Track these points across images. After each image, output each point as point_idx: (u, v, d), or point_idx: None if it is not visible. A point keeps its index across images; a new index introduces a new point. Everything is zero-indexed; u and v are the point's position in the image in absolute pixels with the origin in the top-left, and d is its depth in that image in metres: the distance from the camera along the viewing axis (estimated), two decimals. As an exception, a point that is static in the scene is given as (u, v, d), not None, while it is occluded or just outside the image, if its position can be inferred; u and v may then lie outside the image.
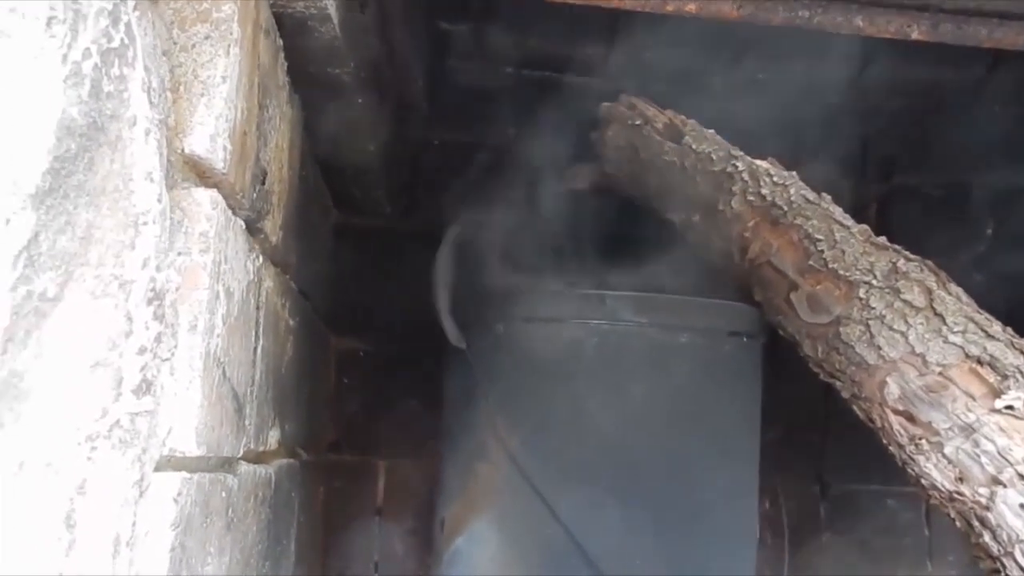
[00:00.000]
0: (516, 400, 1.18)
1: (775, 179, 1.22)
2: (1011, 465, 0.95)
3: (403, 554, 1.67)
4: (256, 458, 1.00)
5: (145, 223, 0.59)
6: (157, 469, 0.66)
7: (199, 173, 0.73)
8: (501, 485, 1.16)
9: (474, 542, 1.17)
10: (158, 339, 0.63)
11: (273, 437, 1.08)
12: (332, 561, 1.65)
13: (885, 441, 1.07)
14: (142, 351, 0.60)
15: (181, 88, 0.71)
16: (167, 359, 0.67)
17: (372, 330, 1.69)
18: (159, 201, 0.61)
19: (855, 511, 1.72)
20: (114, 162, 0.56)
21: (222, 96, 0.72)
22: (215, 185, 0.74)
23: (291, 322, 1.17)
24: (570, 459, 1.15)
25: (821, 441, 1.70)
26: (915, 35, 0.89)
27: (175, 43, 0.71)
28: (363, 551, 1.67)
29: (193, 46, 0.72)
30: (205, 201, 0.71)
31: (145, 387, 0.61)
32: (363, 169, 1.44)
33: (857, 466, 1.67)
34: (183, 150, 0.70)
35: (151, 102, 0.61)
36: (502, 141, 1.55)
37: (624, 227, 1.28)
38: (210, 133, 0.71)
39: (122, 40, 0.56)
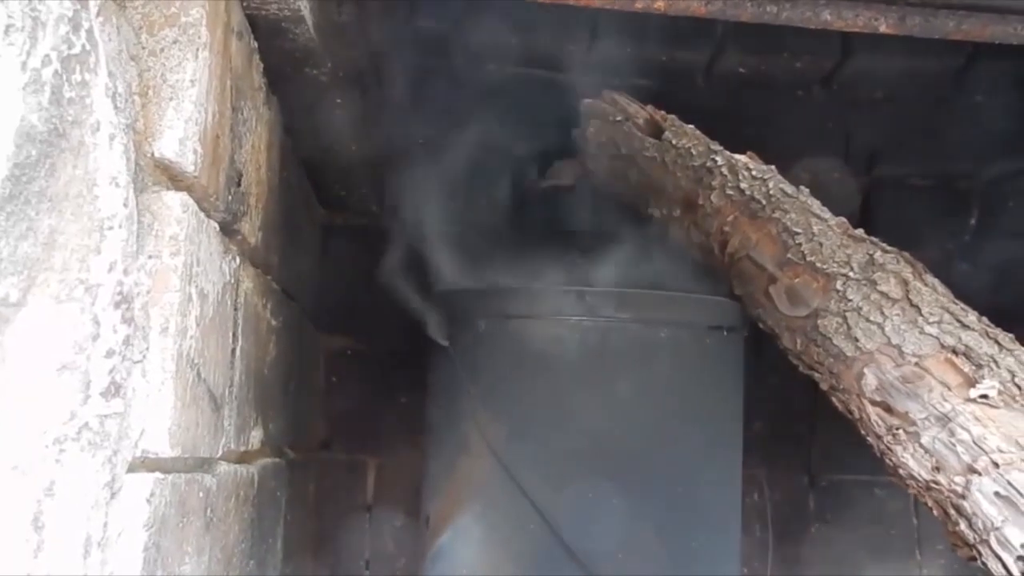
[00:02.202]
0: (499, 396, 1.19)
1: (754, 173, 1.23)
2: (986, 454, 0.96)
3: (394, 551, 1.68)
4: (238, 458, 1.00)
5: (111, 227, 0.60)
6: (130, 470, 0.67)
7: (170, 177, 0.74)
8: (485, 481, 1.17)
9: (458, 539, 1.18)
10: (127, 342, 0.63)
11: (256, 437, 1.09)
12: (323, 559, 1.66)
13: (863, 432, 1.08)
14: (110, 354, 0.61)
15: (150, 92, 0.72)
16: (138, 361, 0.68)
17: (361, 328, 1.70)
18: (125, 205, 0.62)
19: (843, 502, 1.72)
20: (77, 167, 0.56)
21: (191, 99, 0.73)
22: (186, 188, 0.74)
23: (274, 322, 1.18)
24: (553, 455, 1.16)
25: (808, 433, 1.71)
26: (883, 28, 0.90)
27: (143, 48, 0.71)
28: (354, 549, 1.67)
29: (162, 50, 0.72)
30: (175, 204, 0.72)
31: (114, 389, 0.62)
32: (347, 169, 1.44)
33: (845, 457, 1.68)
34: (153, 154, 0.71)
35: (116, 107, 0.62)
36: (486, 138, 1.55)
37: (605, 223, 1.28)
38: (179, 136, 0.72)
39: (83, 46, 0.57)
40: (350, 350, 1.71)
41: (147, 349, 0.69)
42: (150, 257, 0.70)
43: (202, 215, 0.78)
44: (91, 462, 0.60)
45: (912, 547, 1.72)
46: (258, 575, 1.13)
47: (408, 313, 1.33)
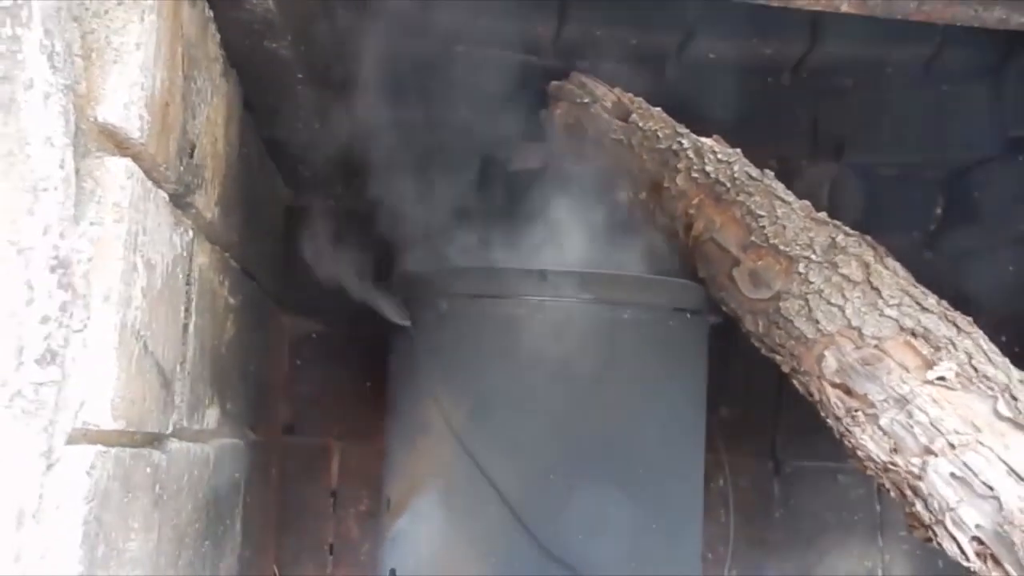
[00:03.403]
0: (460, 377, 1.18)
1: (719, 156, 1.23)
2: (942, 435, 0.96)
3: (358, 536, 1.67)
4: (192, 436, 0.99)
5: (45, 189, 0.58)
6: (69, 442, 0.65)
7: (115, 143, 0.72)
8: (445, 463, 1.16)
9: (418, 521, 1.17)
10: (64, 308, 0.61)
11: (211, 416, 1.07)
12: (286, 543, 1.64)
13: (823, 414, 1.08)
14: (45, 320, 0.59)
15: (93, 55, 0.70)
16: (79, 330, 0.66)
17: (326, 311, 1.67)
18: (61, 167, 0.60)
19: (807, 487, 1.73)
20: (7, 125, 0.54)
21: (137, 64, 0.71)
22: (132, 155, 0.73)
23: (232, 300, 1.16)
24: (514, 435, 1.15)
25: (773, 419, 1.72)
26: (844, 8, 0.89)
27: (87, 8, 0.69)
28: (318, 533, 1.66)
29: (106, 12, 0.70)
30: (119, 170, 0.70)
31: (50, 357, 0.60)
32: (310, 147, 1.42)
33: (809, 443, 1.68)
34: (96, 118, 0.69)
35: (53, 66, 0.60)
36: (452, 119, 1.53)
37: (569, 204, 1.27)
38: (124, 101, 0.70)
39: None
40: (315, 333, 1.69)
41: (88, 318, 0.67)
42: (92, 224, 0.68)
43: (149, 184, 0.76)
44: (24, 431, 0.58)
45: (874, 533, 1.73)
46: (214, 556, 1.11)
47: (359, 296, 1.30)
